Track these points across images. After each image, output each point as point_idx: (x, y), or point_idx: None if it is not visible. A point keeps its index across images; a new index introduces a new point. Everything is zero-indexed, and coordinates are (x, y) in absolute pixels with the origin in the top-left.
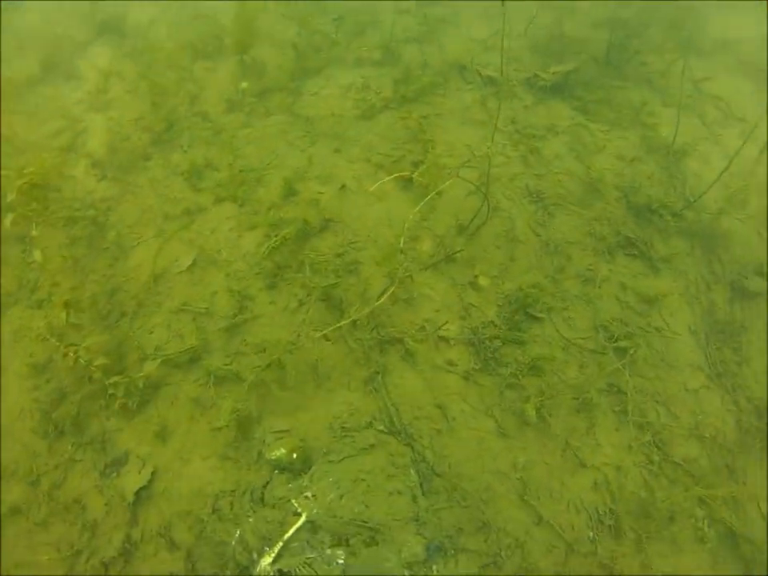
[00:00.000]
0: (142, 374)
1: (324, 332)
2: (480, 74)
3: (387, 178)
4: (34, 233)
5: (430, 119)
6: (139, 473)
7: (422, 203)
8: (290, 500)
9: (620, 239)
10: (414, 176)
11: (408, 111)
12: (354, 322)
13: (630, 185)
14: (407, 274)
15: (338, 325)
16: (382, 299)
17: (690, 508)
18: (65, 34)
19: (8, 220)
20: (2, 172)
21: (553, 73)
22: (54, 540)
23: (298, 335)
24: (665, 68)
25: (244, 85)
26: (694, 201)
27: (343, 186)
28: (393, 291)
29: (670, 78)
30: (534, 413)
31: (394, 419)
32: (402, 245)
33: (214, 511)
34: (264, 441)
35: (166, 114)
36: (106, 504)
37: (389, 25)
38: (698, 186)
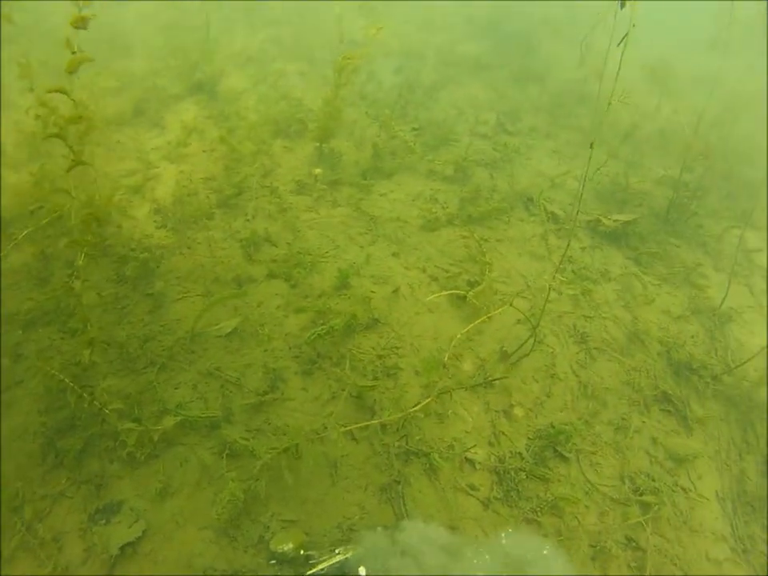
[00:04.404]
0: (159, 428)
1: (351, 427)
2: (545, 208)
3: (444, 293)
4: (79, 262)
5: (490, 243)
6: (130, 527)
7: (472, 325)
8: None
9: (657, 393)
10: (468, 295)
11: (470, 231)
12: (384, 426)
13: (673, 341)
14: (446, 390)
15: (368, 423)
16: (417, 408)
17: None
18: (161, 84)
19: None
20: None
21: (614, 220)
22: None
23: (324, 427)
24: (720, 233)
25: (317, 171)
26: (735, 367)
27: (396, 290)
28: (428, 404)
29: (723, 243)
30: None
31: None
32: (446, 359)
33: None
34: (268, 526)
35: (237, 180)
36: (85, 550)
37: (464, 145)
38: (739, 352)
